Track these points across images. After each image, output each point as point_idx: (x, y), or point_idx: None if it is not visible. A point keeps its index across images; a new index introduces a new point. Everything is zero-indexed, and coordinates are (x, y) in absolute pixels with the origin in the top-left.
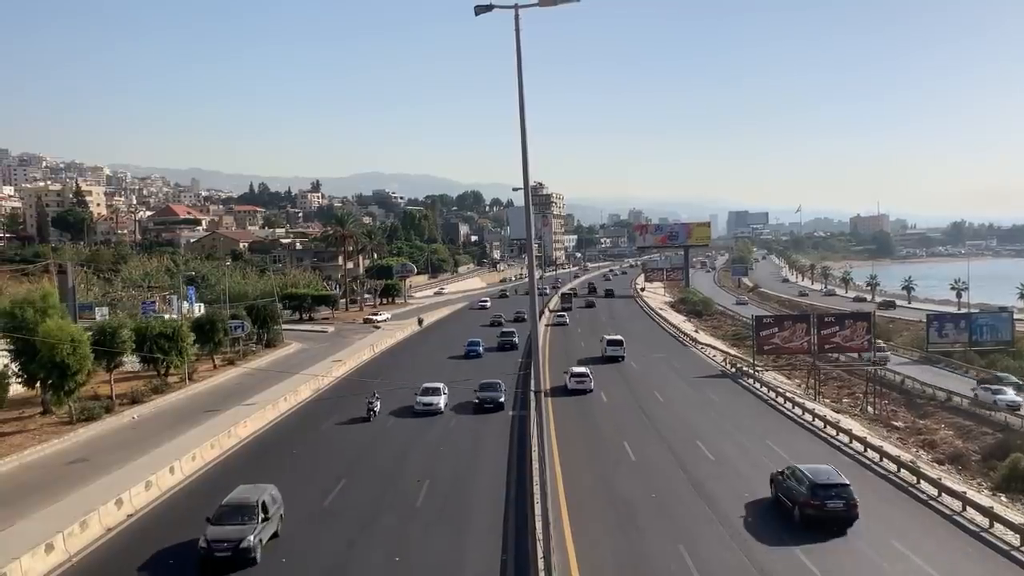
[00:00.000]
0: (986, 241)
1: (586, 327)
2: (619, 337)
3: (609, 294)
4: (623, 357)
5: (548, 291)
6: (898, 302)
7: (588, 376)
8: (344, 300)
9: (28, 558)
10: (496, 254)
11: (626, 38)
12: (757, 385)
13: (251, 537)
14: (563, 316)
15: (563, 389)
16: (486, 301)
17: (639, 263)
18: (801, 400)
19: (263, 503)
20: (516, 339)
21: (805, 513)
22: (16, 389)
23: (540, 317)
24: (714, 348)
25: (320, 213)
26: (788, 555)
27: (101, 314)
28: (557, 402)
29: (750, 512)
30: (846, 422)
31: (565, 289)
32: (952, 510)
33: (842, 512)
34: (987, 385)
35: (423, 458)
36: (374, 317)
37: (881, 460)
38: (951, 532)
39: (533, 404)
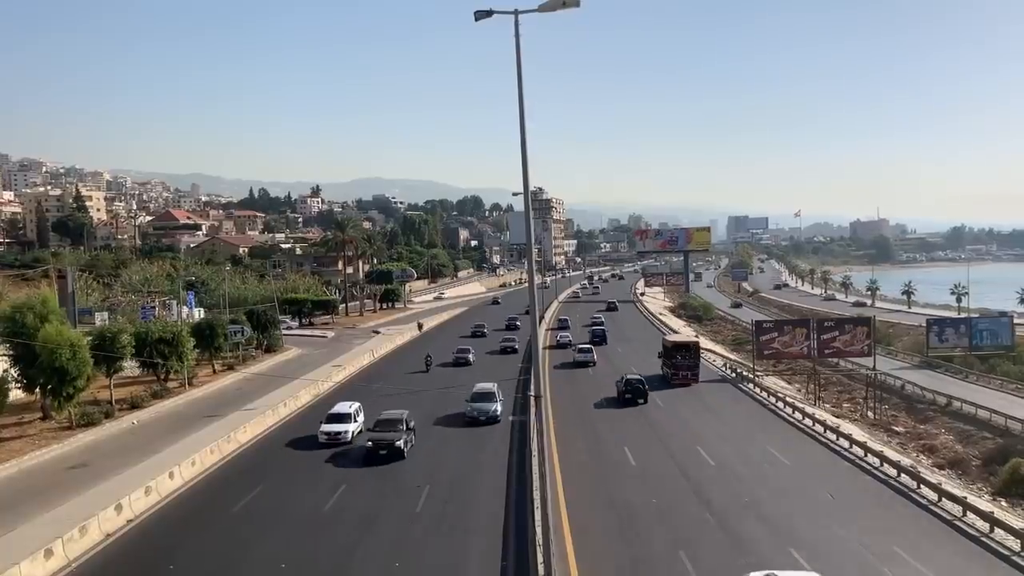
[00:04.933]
0: (986, 246)
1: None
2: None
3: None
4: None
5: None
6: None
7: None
8: (344, 305)
9: (27, 564)
10: (496, 259)
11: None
12: (757, 390)
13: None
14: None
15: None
16: (344, 420)
17: (639, 268)
18: (801, 405)
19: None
20: None
21: None
22: (16, 394)
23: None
24: (714, 353)
25: (320, 218)
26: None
27: (101, 319)
28: (557, 410)
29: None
30: (846, 427)
31: (590, 272)
32: (952, 515)
33: None
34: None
35: None
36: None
37: (881, 465)
38: (951, 537)
39: (532, 410)
